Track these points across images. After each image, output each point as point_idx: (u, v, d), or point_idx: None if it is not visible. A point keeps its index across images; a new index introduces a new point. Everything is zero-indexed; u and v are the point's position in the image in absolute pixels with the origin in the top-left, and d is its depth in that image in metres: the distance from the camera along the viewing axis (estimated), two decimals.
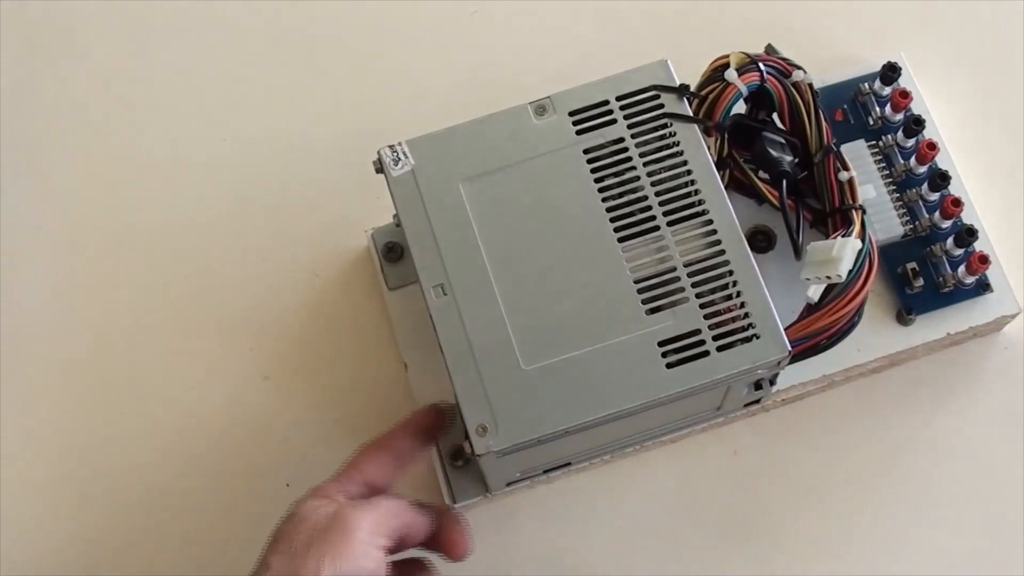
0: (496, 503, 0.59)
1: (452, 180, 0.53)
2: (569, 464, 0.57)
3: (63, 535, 0.60)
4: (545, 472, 0.57)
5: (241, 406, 0.62)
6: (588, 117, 0.54)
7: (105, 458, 0.61)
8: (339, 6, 0.70)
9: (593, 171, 0.53)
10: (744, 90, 0.54)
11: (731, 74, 0.54)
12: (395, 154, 0.54)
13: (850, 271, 0.52)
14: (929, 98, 0.62)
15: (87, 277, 0.65)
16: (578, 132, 0.54)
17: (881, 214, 0.59)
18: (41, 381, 0.63)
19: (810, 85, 0.56)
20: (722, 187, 0.52)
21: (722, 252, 0.51)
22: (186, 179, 0.66)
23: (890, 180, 0.60)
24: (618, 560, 0.58)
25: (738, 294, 0.51)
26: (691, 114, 0.53)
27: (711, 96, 0.54)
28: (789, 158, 0.55)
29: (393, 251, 0.61)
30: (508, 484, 0.57)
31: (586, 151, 0.53)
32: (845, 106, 0.62)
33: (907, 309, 0.58)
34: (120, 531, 0.59)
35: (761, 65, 0.55)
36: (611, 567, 0.58)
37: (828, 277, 0.52)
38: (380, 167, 0.54)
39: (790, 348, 0.50)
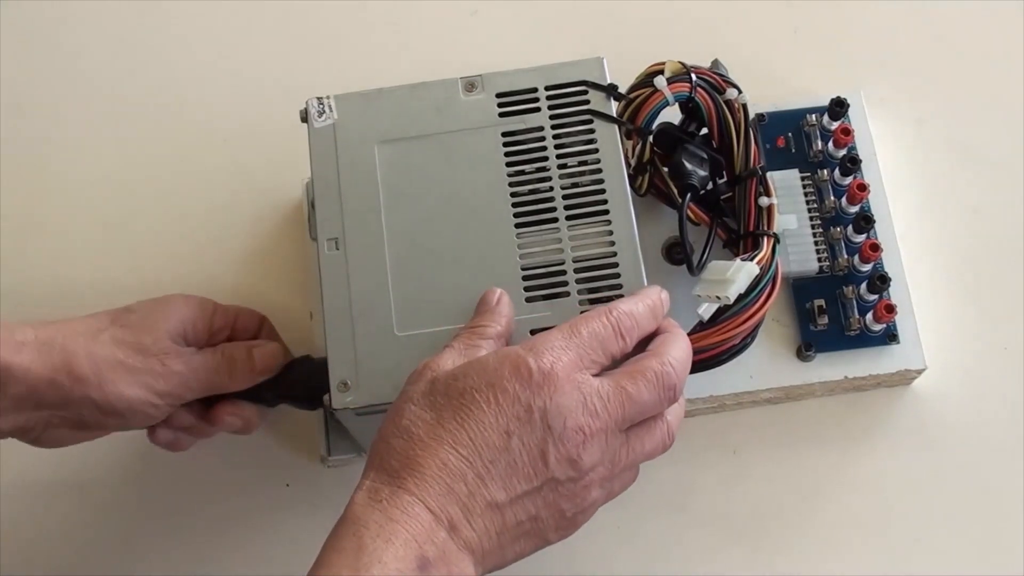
0: None
1: (369, 140, 0.54)
2: None
3: (63, 535, 0.60)
4: None
5: None
6: (514, 101, 0.54)
7: (103, 458, 0.61)
8: (340, 5, 0.71)
9: (507, 155, 0.53)
10: (671, 99, 0.54)
11: (660, 81, 0.54)
12: (321, 106, 0.55)
13: (740, 296, 0.52)
14: (880, 140, 0.61)
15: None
16: (501, 114, 0.54)
17: (799, 247, 0.58)
18: None
19: (743, 105, 0.55)
20: (629, 192, 0.52)
21: (614, 255, 0.51)
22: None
23: (818, 215, 0.59)
24: None
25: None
26: (614, 114, 0.53)
27: (637, 100, 0.54)
28: (702, 173, 0.55)
29: None
30: None
31: (505, 134, 0.54)
32: (790, 134, 0.61)
33: (807, 345, 0.57)
34: (119, 531, 0.60)
35: (694, 77, 0.55)
36: None
37: (718, 297, 0.52)
38: (304, 117, 0.55)
39: None
